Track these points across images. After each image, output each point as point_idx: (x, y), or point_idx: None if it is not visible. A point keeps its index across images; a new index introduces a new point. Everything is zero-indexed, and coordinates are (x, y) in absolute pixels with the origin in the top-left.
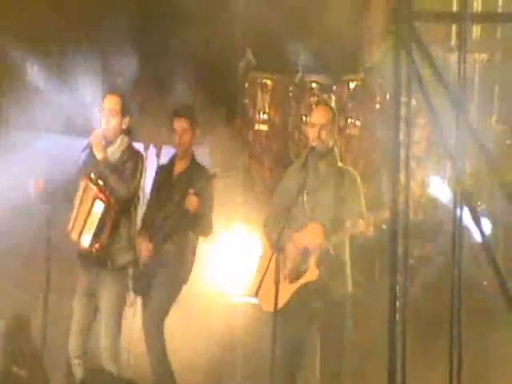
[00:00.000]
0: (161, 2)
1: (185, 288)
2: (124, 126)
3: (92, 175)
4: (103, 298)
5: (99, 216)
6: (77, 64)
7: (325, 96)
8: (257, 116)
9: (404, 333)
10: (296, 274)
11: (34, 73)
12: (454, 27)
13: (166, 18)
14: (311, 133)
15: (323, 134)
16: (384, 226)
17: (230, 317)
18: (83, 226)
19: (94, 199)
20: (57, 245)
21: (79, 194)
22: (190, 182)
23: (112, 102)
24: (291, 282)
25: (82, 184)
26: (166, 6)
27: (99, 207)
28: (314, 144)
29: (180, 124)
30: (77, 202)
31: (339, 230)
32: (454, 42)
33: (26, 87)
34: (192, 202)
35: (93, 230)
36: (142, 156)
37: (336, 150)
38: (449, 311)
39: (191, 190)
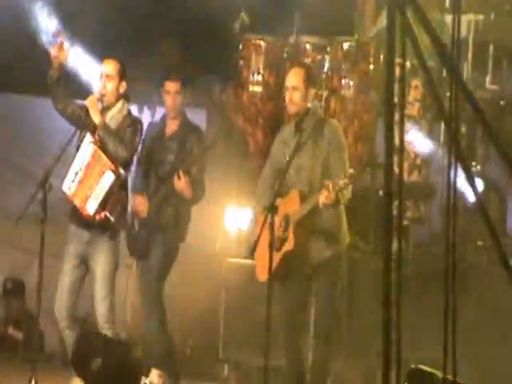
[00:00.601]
0: None
1: (181, 248)
2: (121, 91)
3: (89, 138)
4: (97, 262)
5: (108, 186)
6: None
7: (319, 57)
8: (251, 77)
9: (399, 293)
10: (280, 243)
11: None
12: None
13: None
14: (286, 96)
15: (295, 96)
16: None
17: (226, 277)
18: (88, 193)
19: (104, 170)
20: (51, 206)
21: (87, 159)
22: (183, 142)
23: (109, 67)
24: (277, 250)
25: (90, 149)
26: None
27: (109, 178)
28: (290, 108)
29: (172, 86)
30: (81, 164)
31: (313, 194)
32: (448, 2)
33: None
34: (179, 185)
35: (100, 199)
36: (141, 122)
37: (319, 108)
38: (443, 272)
39: (180, 171)
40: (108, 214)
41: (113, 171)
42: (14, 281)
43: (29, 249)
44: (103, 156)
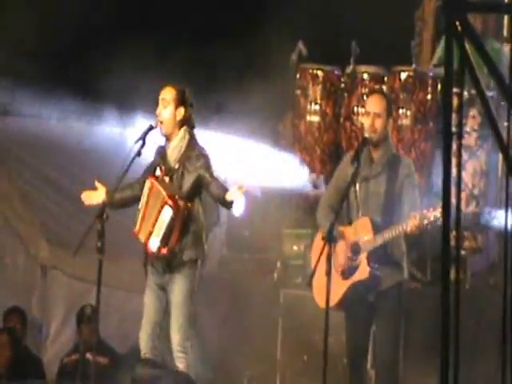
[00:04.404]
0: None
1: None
2: (179, 118)
3: (157, 173)
4: (172, 292)
5: (167, 222)
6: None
7: (376, 87)
8: (308, 107)
9: (457, 324)
10: (348, 271)
11: None
12: (506, 18)
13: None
14: (365, 122)
15: (377, 122)
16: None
17: (283, 307)
18: (151, 229)
19: (163, 205)
20: (107, 237)
21: (145, 192)
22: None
23: (165, 93)
24: (344, 278)
25: (148, 183)
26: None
27: (168, 213)
28: (366, 135)
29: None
30: (142, 200)
31: (390, 228)
32: (506, 33)
33: None
34: None
35: (161, 235)
36: (207, 155)
37: (390, 138)
38: (501, 302)
39: None
40: (171, 248)
41: (171, 206)
42: (91, 307)
43: (85, 279)
44: (161, 190)
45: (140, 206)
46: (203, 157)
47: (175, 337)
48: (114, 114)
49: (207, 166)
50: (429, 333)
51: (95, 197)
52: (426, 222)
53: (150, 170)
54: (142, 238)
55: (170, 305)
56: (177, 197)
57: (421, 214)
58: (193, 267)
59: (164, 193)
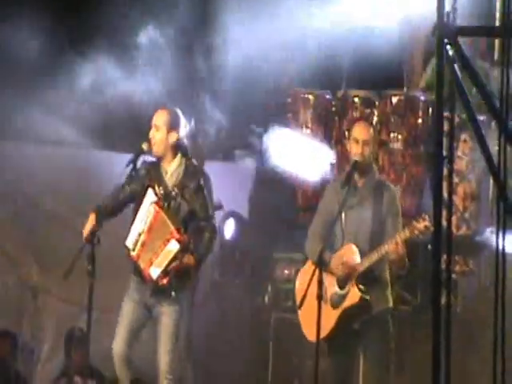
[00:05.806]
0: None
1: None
2: (171, 141)
3: (152, 196)
4: (162, 314)
5: (173, 255)
6: None
7: (367, 111)
8: (299, 131)
9: (448, 347)
10: (337, 299)
11: None
12: (497, 41)
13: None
14: (354, 148)
15: (366, 149)
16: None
17: (274, 330)
18: (154, 259)
19: (170, 238)
20: (98, 259)
21: (148, 219)
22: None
23: (158, 117)
24: (333, 307)
25: (152, 210)
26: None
27: (174, 247)
28: (356, 158)
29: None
30: (144, 226)
31: (375, 249)
32: (497, 56)
33: None
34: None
35: (163, 266)
36: (204, 173)
37: (374, 164)
38: (492, 326)
39: None
40: (171, 279)
41: (178, 240)
42: (81, 330)
43: (76, 302)
44: (168, 222)
45: (140, 228)
46: (201, 191)
47: (163, 359)
48: (99, 137)
49: (205, 204)
50: (419, 356)
51: (89, 224)
52: (416, 232)
53: (137, 185)
54: (142, 264)
55: (159, 329)
56: (182, 230)
57: (410, 226)
58: (187, 293)
59: (172, 227)
